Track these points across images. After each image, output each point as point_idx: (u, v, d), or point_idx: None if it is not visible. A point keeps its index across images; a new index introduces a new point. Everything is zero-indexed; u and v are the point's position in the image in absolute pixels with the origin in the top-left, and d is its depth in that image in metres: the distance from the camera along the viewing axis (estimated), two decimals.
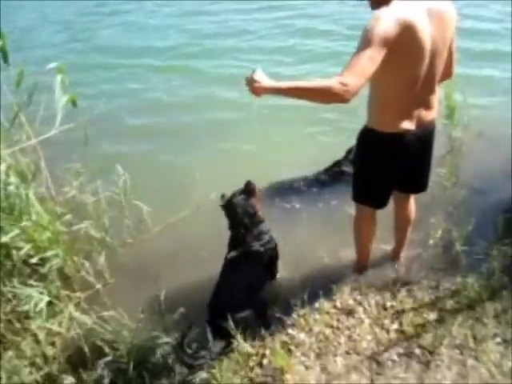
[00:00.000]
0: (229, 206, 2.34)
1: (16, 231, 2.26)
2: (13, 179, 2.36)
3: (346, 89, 1.58)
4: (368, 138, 2.04)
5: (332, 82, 1.59)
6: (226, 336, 2.05)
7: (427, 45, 1.75)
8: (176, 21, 7.06)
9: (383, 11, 1.68)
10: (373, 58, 1.62)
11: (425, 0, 1.75)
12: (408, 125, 1.92)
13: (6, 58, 2.10)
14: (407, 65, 1.75)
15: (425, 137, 2.01)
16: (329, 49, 5.55)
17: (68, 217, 2.66)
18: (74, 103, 2.31)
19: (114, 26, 7.08)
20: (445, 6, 1.80)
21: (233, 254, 2.30)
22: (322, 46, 5.65)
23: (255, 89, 1.72)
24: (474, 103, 3.93)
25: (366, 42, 1.64)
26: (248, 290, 2.23)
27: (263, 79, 1.72)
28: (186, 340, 2.03)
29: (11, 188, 2.33)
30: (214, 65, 5.44)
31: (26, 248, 2.29)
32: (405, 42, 1.68)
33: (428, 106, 1.95)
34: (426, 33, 1.73)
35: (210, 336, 2.05)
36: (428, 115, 1.97)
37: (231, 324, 2.01)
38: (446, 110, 3.51)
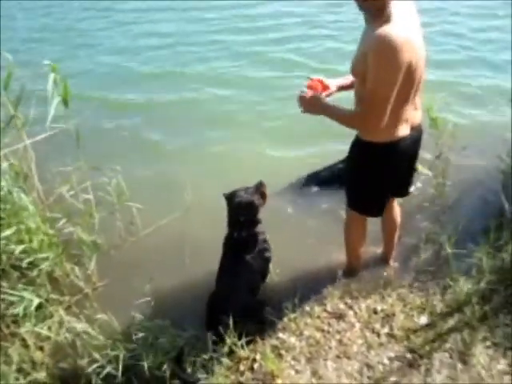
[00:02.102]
0: (237, 201, 2.32)
1: (7, 233, 2.24)
2: (4, 183, 2.34)
3: (374, 131, 1.84)
4: (364, 149, 2.01)
5: (361, 127, 1.89)
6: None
7: (422, 57, 1.78)
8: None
9: (393, 32, 1.63)
10: (393, 96, 1.72)
11: (401, 5, 1.76)
12: (405, 130, 1.93)
13: None
14: (409, 79, 1.75)
15: (416, 138, 2.03)
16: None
17: (58, 219, 2.63)
18: (65, 102, 2.28)
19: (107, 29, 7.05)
20: (412, 7, 1.84)
21: (231, 254, 2.29)
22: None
23: (306, 107, 1.98)
24: (458, 110, 3.99)
25: (386, 81, 1.70)
26: (250, 290, 2.24)
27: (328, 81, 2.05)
28: (183, 357, 2.01)
29: (4, 191, 2.31)
30: (207, 66, 5.46)
31: (19, 249, 2.26)
32: (412, 62, 1.70)
33: (416, 108, 1.97)
34: (420, 46, 1.76)
35: (210, 342, 2.02)
36: (416, 117, 1.99)
37: (231, 327, 1.98)
38: (428, 119, 3.54)
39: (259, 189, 2.39)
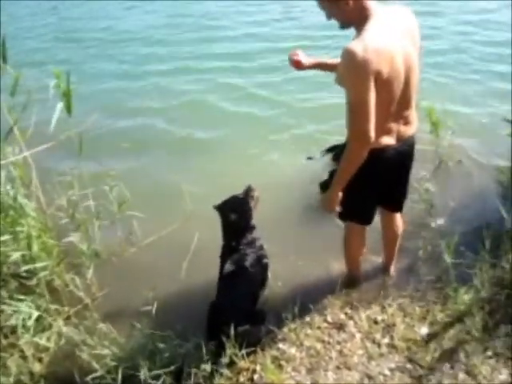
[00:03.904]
0: (228, 209, 2.33)
1: (6, 237, 2.24)
2: (8, 187, 2.35)
3: (366, 140, 1.77)
4: None
5: (355, 146, 1.82)
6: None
7: (402, 66, 1.77)
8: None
9: (358, 45, 1.68)
10: (371, 101, 1.72)
11: (387, 12, 1.79)
12: (388, 140, 1.94)
13: (4, 58, 2.07)
14: (385, 88, 1.76)
15: (405, 151, 2.04)
16: None
17: (59, 229, 2.63)
18: (68, 110, 2.28)
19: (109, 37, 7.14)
20: (409, 17, 1.86)
21: (230, 263, 2.29)
22: None
23: (296, 63, 2.23)
24: (457, 117, 4.00)
25: (357, 90, 1.72)
26: (250, 299, 2.23)
27: (303, 57, 2.24)
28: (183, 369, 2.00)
29: (10, 195, 2.31)
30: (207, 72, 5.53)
31: (18, 255, 2.26)
32: (382, 70, 1.71)
33: (407, 122, 1.97)
34: (400, 54, 1.76)
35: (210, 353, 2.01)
36: (407, 130, 1.99)
37: (232, 336, 1.97)
38: (429, 126, 3.56)
39: (249, 194, 2.39)
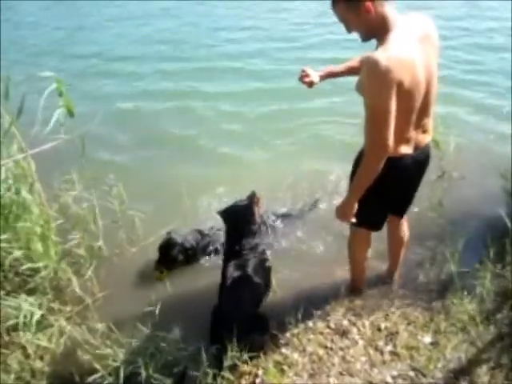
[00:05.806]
0: (232, 215, 2.35)
1: (10, 234, 2.23)
2: (11, 181, 2.34)
3: (384, 149, 1.76)
4: None
5: (372, 155, 1.80)
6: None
7: (423, 75, 1.77)
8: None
9: (382, 55, 1.68)
10: (391, 110, 1.71)
11: (407, 21, 1.79)
12: (406, 149, 1.93)
13: None
14: (406, 98, 1.76)
15: (421, 160, 2.03)
16: None
17: (61, 228, 2.62)
18: (70, 113, 2.28)
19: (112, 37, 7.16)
20: (427, 24, 1.85)
21: (234, 268, 2.29)
22: None
23: (308, 83, 2.19)
24: (460, 128, 4.00)
25: (379, 99, 1.71)
26: (254, 303, 2.23)
27: (313, 74, 2.19)
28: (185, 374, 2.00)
29: (12, 191, 2.30)
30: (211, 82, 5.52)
31: (19, 253, 2.25)
32: (404, 80, 1.70)
33: (424, 130, 1.97)
34: (422, 64, 1.76)
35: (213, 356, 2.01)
36: (424, 139, 1.99)
37: (235, 340, 1.96)
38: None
39: (252, 200, 2.41)
